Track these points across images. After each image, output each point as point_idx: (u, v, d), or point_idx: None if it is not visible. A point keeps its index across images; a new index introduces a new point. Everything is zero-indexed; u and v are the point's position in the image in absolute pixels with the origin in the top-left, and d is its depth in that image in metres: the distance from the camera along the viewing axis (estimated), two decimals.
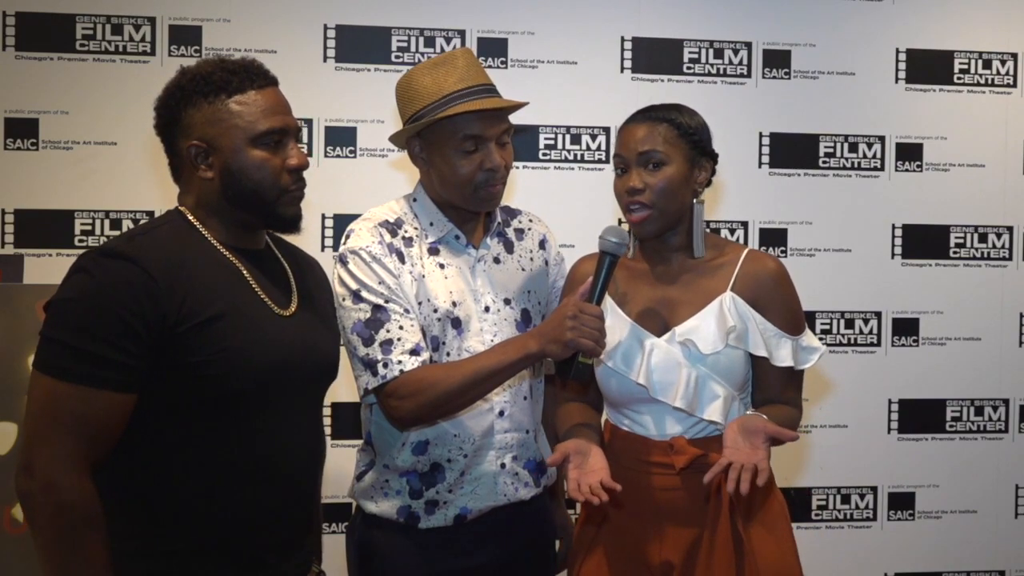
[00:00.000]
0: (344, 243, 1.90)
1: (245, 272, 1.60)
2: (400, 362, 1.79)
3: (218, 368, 1.49)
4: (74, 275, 1.49)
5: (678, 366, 1.81)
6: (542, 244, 2.09)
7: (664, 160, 1.82)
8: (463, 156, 1.85)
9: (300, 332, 1.64)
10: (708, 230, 1.93)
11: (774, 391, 1.87)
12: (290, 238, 1.78)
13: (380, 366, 1.80)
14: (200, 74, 1.58)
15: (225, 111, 1.56)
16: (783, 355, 1.83)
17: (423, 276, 1.89)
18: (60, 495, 1.41)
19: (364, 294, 1.83)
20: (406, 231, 1.92)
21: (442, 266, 1.92)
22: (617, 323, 1.88)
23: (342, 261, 1.87)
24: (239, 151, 1.56)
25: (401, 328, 1.82)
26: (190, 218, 1.60)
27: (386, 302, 1.83)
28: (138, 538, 1.50)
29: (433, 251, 1.92)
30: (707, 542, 1.77)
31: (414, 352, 1.80)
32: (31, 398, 1.46)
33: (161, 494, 1.50)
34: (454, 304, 1.89)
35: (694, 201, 1.87)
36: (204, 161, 1.58)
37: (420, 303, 1.87)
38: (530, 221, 2.11)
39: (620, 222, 2.93)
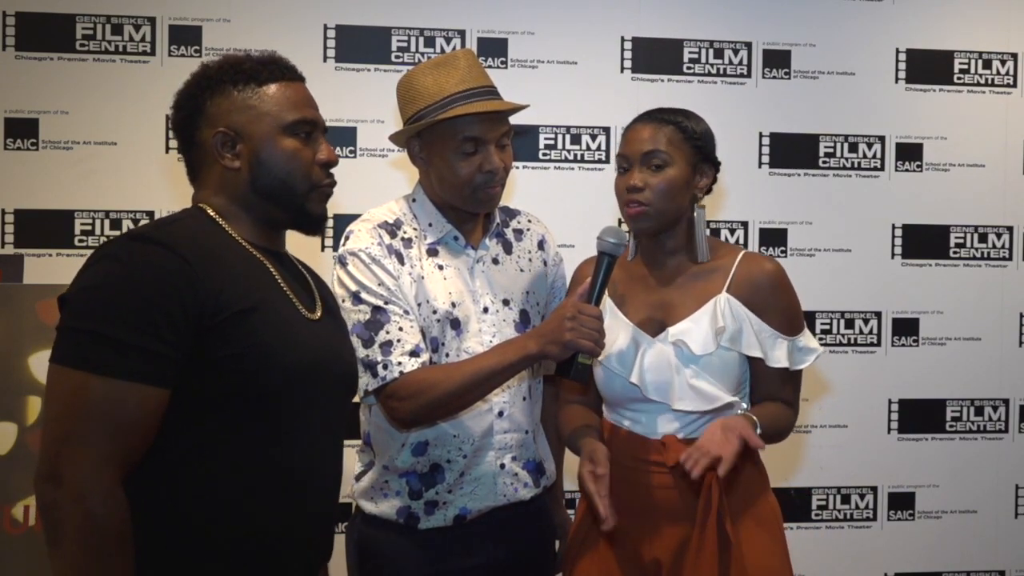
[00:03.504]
0: (343, 244, 1.90)
1: (273, 271, 1.53)
2: (400, 363, 1.79)
3: (250, 363, 1.39)
4: (98, 263, 1.37)
5: (670, 367, 1.82)
6: (541, 245, 2.09)
7: (667, 162, 1.83)
8: (462, 158, 1.85)
9: (327, 338, 1.57)
10: (708, 232, 1.93)
11: (771, 391, 1.88)
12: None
13: (380, 367, 1.80)
14: (229, 64, 1.54)
15: (256, 99, 1.51)
16: (778, 356, 1.84)
17: (422, 277, 1.89)
18: (92, 506, 1.27)
19: (364, 296, 1.83)
20: (405, 232, 1.92)
21: (441, 267, 1.92)
22: (614, 324, 1.89)
23: (341, 262, 1.87)
24: (270, 139, 1.50)
25: (401, 329, 1.82)
26: (211, 214, 1.52)
27: (385, 303, 1.83)
28: (151, 553, 1.36)
29: (432, 252, 1.92)
30: (695, 541, 1.77)
31: (414, 353, 1.80)
32: (53, 397, 1.31)
33: (181, 502, 1.38)
34: (453, 305, 1.89)
35: (695, 206, 1.88)
36: (231, 150, 1.51)
37: (419, 304, 1.87)
38: (529, 222, 2.11)
39: (620, 222, 2.93)
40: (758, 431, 1.76)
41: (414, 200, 1.98)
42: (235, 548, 1.41)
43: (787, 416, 1.89)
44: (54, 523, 1.28)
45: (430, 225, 1.94)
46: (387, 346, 1.81)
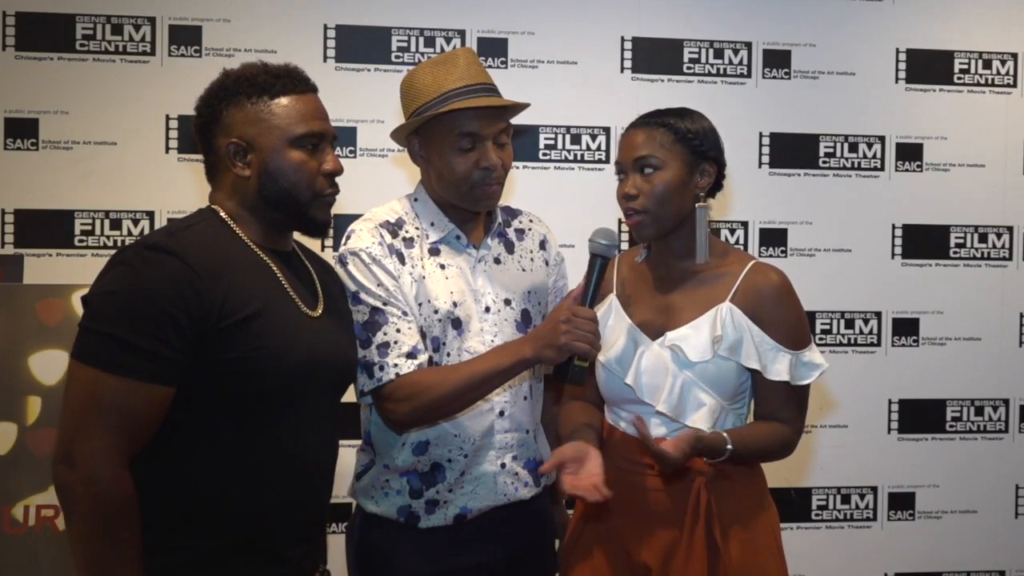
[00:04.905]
0: (344, 244, 1.90)
1: (277, 272, 1.63)
2: (396, 365, 1.80)
3: (253, 366, 1.51)
4: (116, 268, 1.50)
5: (666, 371, 1.81)
6: (542, 244, 2.09)
7: (659, 165, 1.81)
8: (460, 154, 1.86)
9: (326, 333, 1.67)
10: (708, 232, 1.91)
11: (771, 408, 1.84)
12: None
13: (376, 369, 1.80)
14: (244, 76, 1.63)
15: (266, 111, 1.61)
16: (779, 369, 1.80)
17: (423, 277, 1.89)
18: (101, 487, 1.41)
19: (363, 296, 1.83)
20: (407, 231, 1.92)
21: (443, 267, 1.92)
22: (618, 324, 1.88)
23: (342, 262, 1.88)
24: (278, 151, 1.60)
25: (398, 331, 1.82)
26: (223, 216, 1.63)
27: (384, 304, 1.83)
28: (161, 532, 1.50)
29: (434, 251, 1.93)
30: (684, 545, 1.77)
31: (411, 355, 1.81)
32: (71, 389, 1.46)
33: (186, 489, 1.51)
34: (454, 304, 1.89)
35: (696, 206, 1.85)
36: (242, 159, 1.61)
37: (420, 304, 1.87)
38: (531, 221, 2.11)
39: (620, 222, 2.93)
40: (728, 446, 1.74)
41: (416, 199, 1.98)
42: (234, 527, 1.54)
43: (780, 437, 1.84)
44: (68, 502, 1.44)
45: (432, 224, 1.94)
46: (384, 348, 1.81)
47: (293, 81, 1.64)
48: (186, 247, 1.50)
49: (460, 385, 1.77)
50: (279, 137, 1.60)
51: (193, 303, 1.46)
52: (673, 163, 1.82)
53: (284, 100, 1.62)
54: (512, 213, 2.10)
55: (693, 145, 1.83)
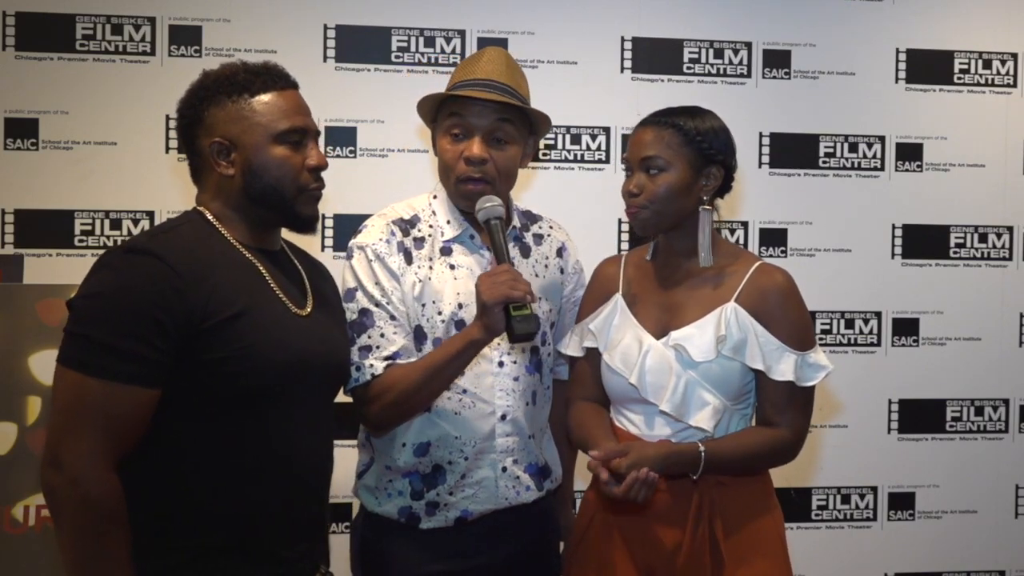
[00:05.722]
0: (355, 236, 1.91)
1: (264, 271, 1.62)
2: (372, 366, 1.80)
3: (238, 365, 1.50)
4: (98, 272, 1.50)
5: (670, 370, 1.80)
6: (560, 252, 2.09)
7: (664, 166, 1.81)
8: (451, 139, 1.88)
9: (316, 332, 1.66)
10: (709, 235, 1.90)
11: (773, 412, 1.83)
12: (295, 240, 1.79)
13: (354, 369, 1.81)
14: (223, 75, 1.62)
15: (248, 109, 1.60)
16: (783, 369, 1.79)
17: (429, 278, 1.88)
18: (87, 490, 1.42)
19: (357, 294, 1.85)
20: (419, 230, 1.92)
21: (452, 267, 1.91)
22: (623, 322, 1.88)
23: (348, 253, 1.90)
24: (261, 148, 1.60)
25: (383, 336, 1.82)
26: (209, 217, 1.62)
27: (375, 306, 1.83)
28: (153, 534, 1.50)
29: (445, 251, 1.92)
30: (688, 548, 1.77)
31: (390, 359, 1.81)
32: (57, 394, 1.47)
33: (177, 490, 1.51)
34: (460, 306, 1.89)
35: (700, 208, 1.85)
36: (226, 158, 1.61)
37: (424, 305, 1.87)
38: (550, 228, 2.11)
39: (620, 221, 2.93)
40: (702, 453, 1.73)
41: (435, 196, 1.99)
42: (227, 528, 1.53)
43: (771, 442, 1.81)
44: (55, 505, 1.44)
45: (448, 223, 1.94)
46: (365, 350, 1.82)
47: (273, 78, 1.64)
48: (168, 249, 1.50)
49: (419, 378, 1.78)
50: (262, 134, 1.60)
51: (175, 304, 1.46)
52: (679, 165, 1.82)
53: (265, 97, 1.61)
54: (532, 218, 2.09)
55: (701, 148, 1.83)
